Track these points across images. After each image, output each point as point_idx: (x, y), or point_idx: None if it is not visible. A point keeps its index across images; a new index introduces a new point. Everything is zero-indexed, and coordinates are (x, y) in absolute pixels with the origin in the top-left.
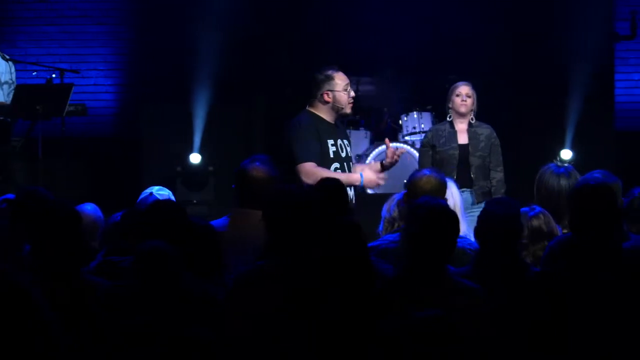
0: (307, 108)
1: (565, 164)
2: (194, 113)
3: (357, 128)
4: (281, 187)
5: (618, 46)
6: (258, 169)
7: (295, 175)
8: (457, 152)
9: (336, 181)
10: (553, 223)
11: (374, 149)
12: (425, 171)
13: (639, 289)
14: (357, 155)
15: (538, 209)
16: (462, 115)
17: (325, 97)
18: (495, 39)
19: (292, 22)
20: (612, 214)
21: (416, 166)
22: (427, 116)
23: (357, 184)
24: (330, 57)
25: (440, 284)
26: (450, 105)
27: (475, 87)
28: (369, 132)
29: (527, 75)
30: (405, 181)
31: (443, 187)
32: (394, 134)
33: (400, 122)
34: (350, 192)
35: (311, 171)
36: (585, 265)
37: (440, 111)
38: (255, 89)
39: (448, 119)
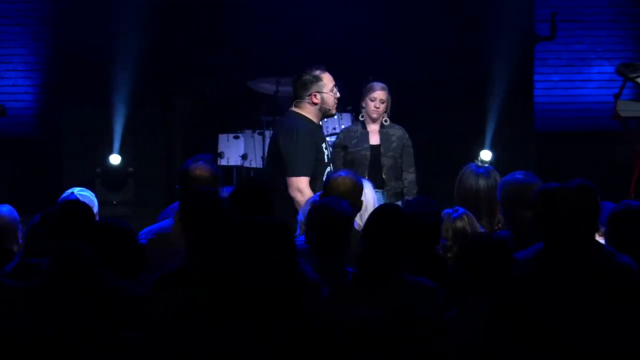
0: (293, 109)
1: (485, 165)
2: (113, 114)
3: None
4: (196, 191)
5: (537, 47)
6: (201, 168)
7: (279, 179)
8: (368, 153)
9: (261, 182)
10: (477, 224)
11: None
12: (341, 172)
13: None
14: None
15: (461, 210)
16: (374, 120)
17: (314, 99)
18: (415, 39)
19: (212, 24)
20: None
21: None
22: (347, 117)
23: None
24: (251, 59)
25: (392, 284)
26: (363, 106)
27: (392, 89)
28: None
29: (447, 76)
30: None
31: (359, 188)
32: None
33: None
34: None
35: (305, 189)
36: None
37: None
38: (175, 89)
39: (360, 118)
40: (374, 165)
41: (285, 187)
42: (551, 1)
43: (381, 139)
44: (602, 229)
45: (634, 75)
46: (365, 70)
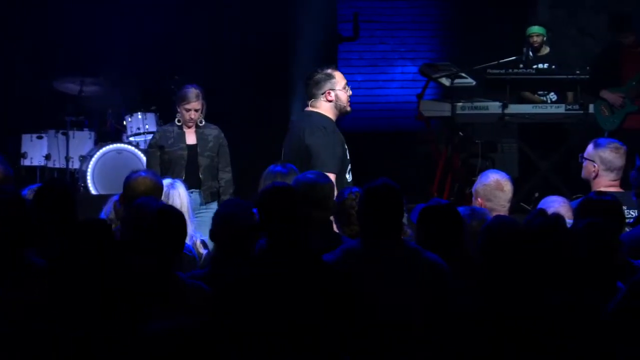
0: (311, 109)
1: (287, 164)
2: None
3: (81, 129)
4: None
5: (341, 47)
6: None
7: None
8: (185, 153)
9: (64, 183)
10: None
11: (97, 150)
12: (141, 172)
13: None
14: (81, 156)
15: None
16: (189, 126)
17: (328, 97)
18: (222, 39)
19: (15, 22)
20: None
21: (141, 167)
22: (151, 117)
23: None
24: (55, 59)
25: (168, 289)
26: (179, 111)
27: (203, 91)
28: (92, 133)
29: (253, 76)
30: None
31: (158, 189)
32: (118, 134)
33: (124, 122)
34: None
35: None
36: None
37: (165, 112)
38: None
39: (177, 122)
40: (190, 165)
41: None
42: (354, 2)
43: (197, 139)
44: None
45: (437, 75)
46: (174, 71)
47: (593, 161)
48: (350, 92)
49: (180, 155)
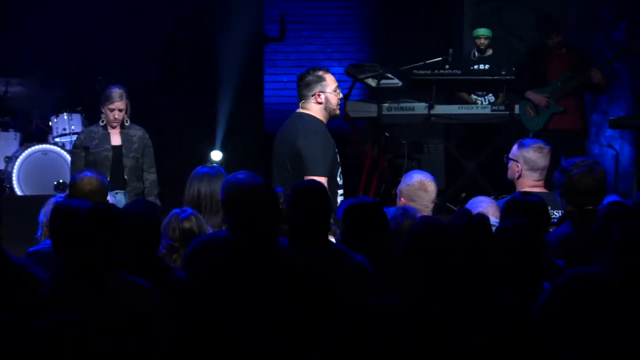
0: (301, 111)
1: (214, 165)
2: None
3: (6, 129)
4: None
5: (267, 48)
6: None
7: (292, 179)
8: (110, 154)
9: None
10: (205, 226)
11: (23, 151)
12: (87, 172)
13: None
14: (7, 157)
15: (189, 210)
16: (114, 127)
17: (317, 99)
18: (144, 39)
19: None
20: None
21: (67, 168)
22: (77, 117)
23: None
24: None
25: (104, 288)
26: (103, 111)
27: (127, 91)
28: (18, 134)
29: (177, 76)
30: (55, 183)
31: (104, 189)
32: (44, 135)
33: (50, 123)
34: None
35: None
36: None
37: (91, 112)
38: None
39: (101, 123)
40: (115, 166)
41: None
42: (280, 2)
43: (122, 140)
44: (334, 229)
45: (363, 76)
46: (98, 72)
47: (517, 161)
48: (340, 95)
49: (105, 156)
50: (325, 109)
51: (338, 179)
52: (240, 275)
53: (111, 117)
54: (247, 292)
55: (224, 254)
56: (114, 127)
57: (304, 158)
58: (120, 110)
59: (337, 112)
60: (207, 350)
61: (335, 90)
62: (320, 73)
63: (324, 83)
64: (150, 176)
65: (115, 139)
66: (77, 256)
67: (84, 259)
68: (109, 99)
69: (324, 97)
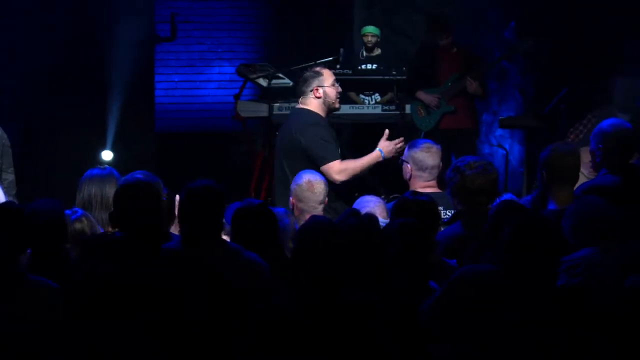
0: (300, 106)
1: (105, 166)
2: None
3: None
4: None
5: (158, 48)
6: None
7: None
8: None
9: None
10: (97, 227)
11: None
12: None
13: None
14: None
15: (80, 212)
16: None
17: (316, 93)
18: (34, 37)
19: None
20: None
21: None
22: None
23: (380, 159)
24: None
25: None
26: None
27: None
28: None
29: (65, 76)
30: None
31: None
32: None
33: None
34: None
35: (343, 168)
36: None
37: None
38: None
39: None
40: None
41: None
42: (171, 2)
43: None
44: (228, 228)
45: (254, 76)
46: None
47: (408, 162)
48: (339, 89)
49: None
50: (324, 102)
51: None
52: (125, 276)
53: None
54: (135, 292)
55: (111, 254)
56: None
57: (311, 151)
58: None
59: (337, 105)
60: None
61: (333, 84)
62: (318, 69)
63: (321, 78)
64: (9, 176)
65: None
66: None
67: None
68: None
69: (322, 91)
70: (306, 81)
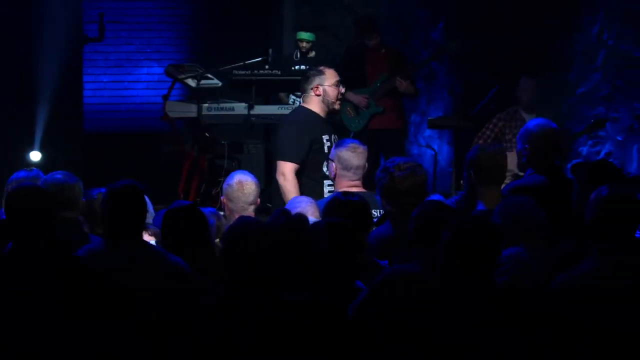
0: (301, 104)
1: (32, 168)
2: None
3: None
4: None
5: (86, 48)
6: None
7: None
8: None
9: None
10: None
11: None
12: None
13: None
14: None
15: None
16: None
17: (316, 91)
18: None
19: None
20: None
21: None
22: None
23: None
24: None
25: None
26: None
27: None
28: None
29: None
30: None
31: None
32: None
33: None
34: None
35: (289, 175)
36: None
37: None
38: None
39: None
40: None
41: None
42: (99, 2)
43: None
44: (153, 229)
45: (183, 76)
46: None
47: (334, 161)
48: (342, 90)
49: None
50: (323, 101)
51: (325, 169)
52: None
53: None
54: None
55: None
56: None
57: (275, 144)
58: None
59: (337, 106)
60: None
61: (335, 85)
62: (322, 68)
63: (323, 77)
64: None
65: None
66: None
67: None
68: None
69: (322, 89)
70: (308, 79)
